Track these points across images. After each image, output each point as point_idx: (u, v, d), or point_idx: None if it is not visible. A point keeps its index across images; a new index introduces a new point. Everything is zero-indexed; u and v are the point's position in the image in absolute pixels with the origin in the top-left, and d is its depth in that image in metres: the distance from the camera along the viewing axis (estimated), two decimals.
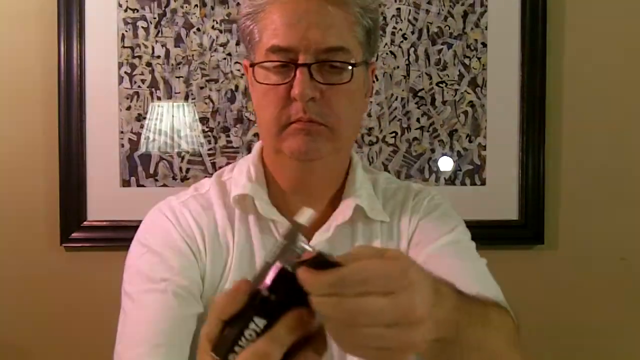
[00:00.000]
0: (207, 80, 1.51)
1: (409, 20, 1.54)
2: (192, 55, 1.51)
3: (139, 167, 1.50)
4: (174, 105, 1.51)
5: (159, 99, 1.51)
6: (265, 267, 0.51)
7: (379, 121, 1.54)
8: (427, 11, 1.54)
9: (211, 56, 1.51)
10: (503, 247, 1.55)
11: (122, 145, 1.50)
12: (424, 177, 1.55)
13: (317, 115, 0.81)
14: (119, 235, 1.43)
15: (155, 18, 1.50)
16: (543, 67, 1.54)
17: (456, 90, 1.55)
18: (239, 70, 1.50)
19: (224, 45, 1.51)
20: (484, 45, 1.55)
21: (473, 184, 1.56)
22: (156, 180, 1.51)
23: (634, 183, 1.60)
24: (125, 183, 1.50)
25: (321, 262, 0.49)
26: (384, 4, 1.52)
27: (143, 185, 1.51)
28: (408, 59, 1.54)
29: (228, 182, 0.94)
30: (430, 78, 1.55)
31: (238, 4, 1.49)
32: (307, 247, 0.52)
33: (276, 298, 0.50)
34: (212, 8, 1.51)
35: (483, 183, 1.56)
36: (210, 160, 1.52)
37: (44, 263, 1.50)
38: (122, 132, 1.50)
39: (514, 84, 1.55)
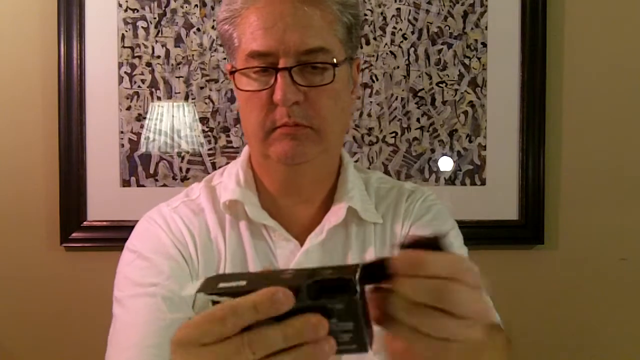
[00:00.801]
0: (207, 80, 1.51)
1: (409, 20, 1.54)
2: (192, 55, 1.51)
3: (139, 167, 1.50)
4: (174, 105, 1.51)
5: (159, 99, 1.51)
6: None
7: (379, 121, 1.54)
8: (427, 11, 1.54)
9: (211, 56, 1.51)
10: (503, 247, 1.56)
11: (122, 145, 1.50)
12: (424, 177, 1.55)
13: (302, 119, 0.80)
14: (119, 236, 1.39)
15: (155, 18, 1.50)
16: (543, 67, 1.54)
17: (456, 90, 1.55)
18: None
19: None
20: (484, 45, 1.55)
21: (473, 184, 1.56)
22: (156, 180, 1.51)
23: (634, 183, 1.60)
24: (126, 183, 1.50)
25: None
26: (383, 3, 1.52)
27: (143, 185, 1.51)
28: (408, 59, 1.54)
29: (218, 187, 0.93)
30: (430, 78, 1.55)
31: None
32: None
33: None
34: (212, 8, 1.51)
35: (483, 183, 1.56)
36: (210, 160, 1.52)
37: (44, 263, 1.50)
38: (122, 132, 1.50)
39: (514, 84, 1.55)
